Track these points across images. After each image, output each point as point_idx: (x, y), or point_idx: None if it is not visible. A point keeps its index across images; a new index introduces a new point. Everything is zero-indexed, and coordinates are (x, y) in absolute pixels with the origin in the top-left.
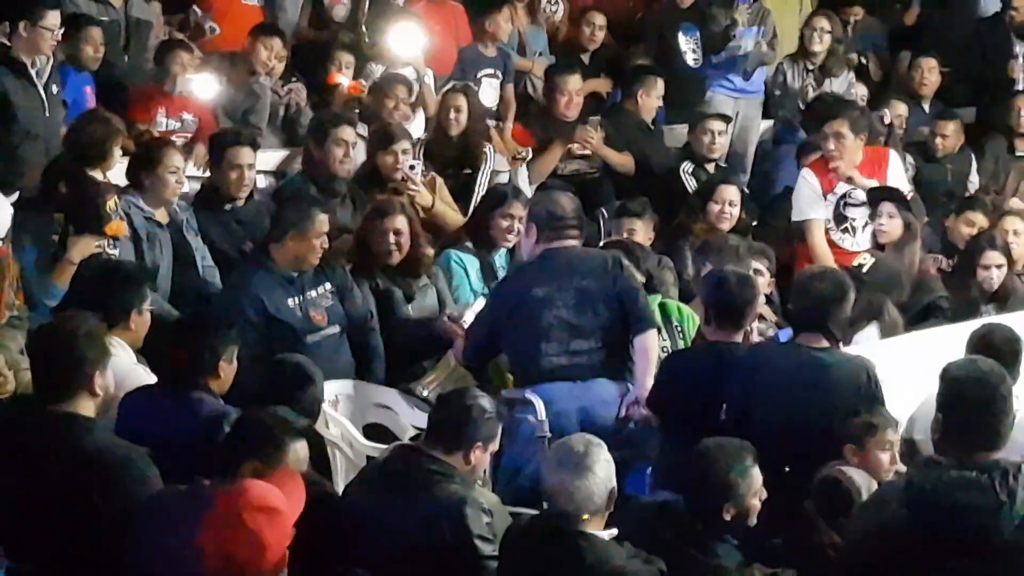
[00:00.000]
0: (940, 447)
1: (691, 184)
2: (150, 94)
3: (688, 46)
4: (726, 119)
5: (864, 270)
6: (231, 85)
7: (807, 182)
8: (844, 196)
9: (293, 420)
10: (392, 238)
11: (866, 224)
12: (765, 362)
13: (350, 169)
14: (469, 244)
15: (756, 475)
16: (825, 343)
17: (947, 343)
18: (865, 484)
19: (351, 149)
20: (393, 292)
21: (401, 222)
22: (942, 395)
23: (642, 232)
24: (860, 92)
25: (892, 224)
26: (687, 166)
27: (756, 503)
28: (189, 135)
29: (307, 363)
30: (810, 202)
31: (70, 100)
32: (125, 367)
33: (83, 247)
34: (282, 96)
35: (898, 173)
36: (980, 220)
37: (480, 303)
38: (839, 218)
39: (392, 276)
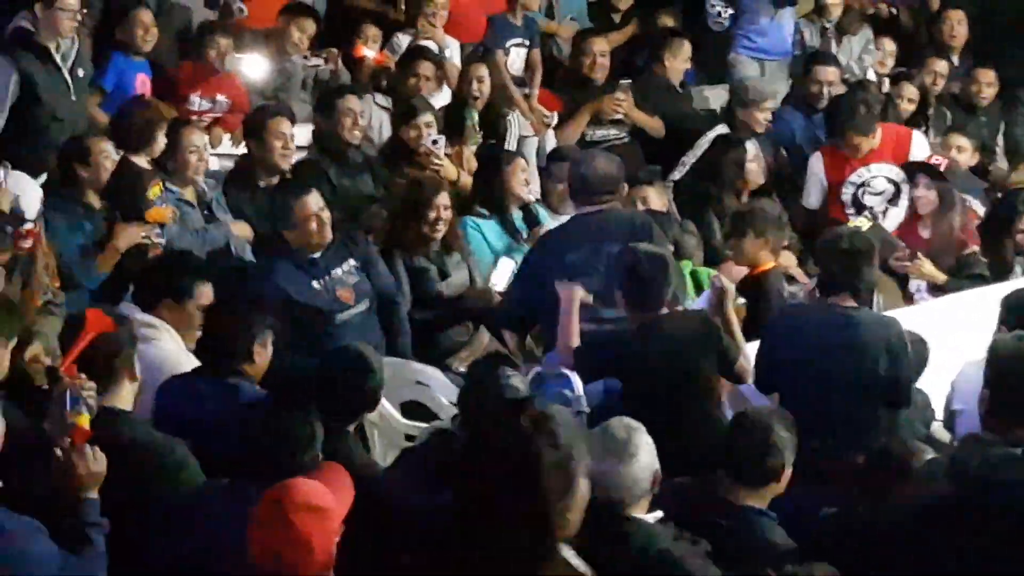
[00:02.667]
0: (986, 422)
1: (703, 145)
2: (190, 77)
3: (716, 7)
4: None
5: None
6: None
7: (811, 167)
8: (863, 184)
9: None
10: (440, 214)
11: (885, 210)
12: (796, 323)
13: (360, 137)
14: (484, 210)
15: (794, 441)
16: (853, 302)
17: (982, 305)
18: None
19: (359, 118)
20: (427, 269)
21: (445, 198)
22: (990, 372)
23: (656, 199)
24: (888, 48)
25: (929, 195)
26: (716, 130)
27: (789, 472)
28: (220, 115)
29: (367, 352)
30: (808, 188)
31: (111, 86)
32: (171, 354)
33: (130, 235)
34: (309, 63)
35: (923, 151)
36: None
37: (506, 264)
38: (857, 205)
39: (426, 253)
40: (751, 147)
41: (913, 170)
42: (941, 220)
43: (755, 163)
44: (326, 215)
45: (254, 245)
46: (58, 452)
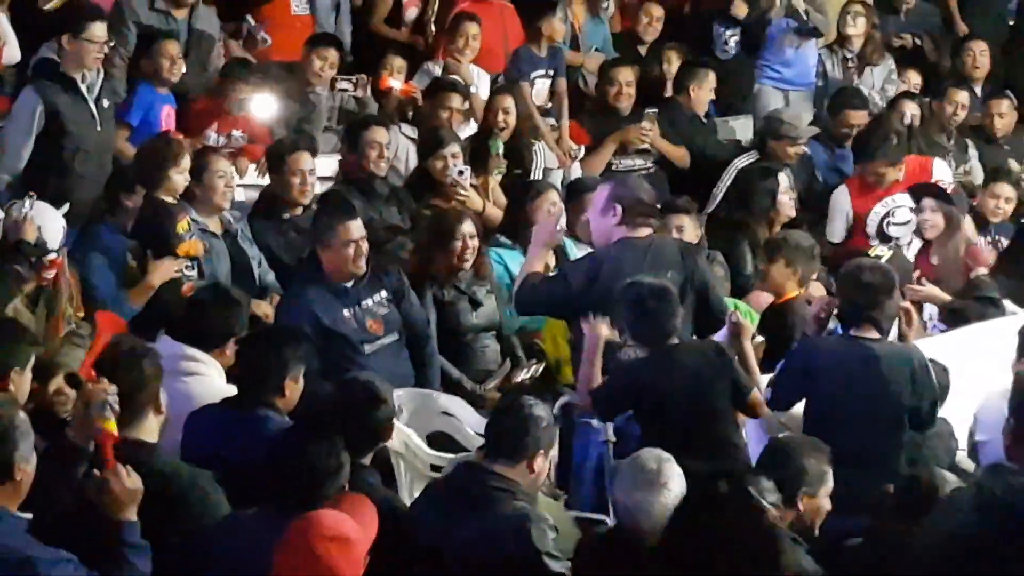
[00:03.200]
0: (1011, 452)
1: (727, 179)
2: (209, 111)
3: (726, 38)
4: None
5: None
6: (287, 96)
7: (836, 200)
8: (887, 215)
9: None
10: (467, 243)
11: (911, 242)
12: (819, 354)
13: (386, 169)
14: (507, 240)
15: (830, 474)
16: (875, 334)
17: (1007, 333)
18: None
19: (384, 149)
20: (457, 301)
21: (471, 227)
22: (1015, 399)
23: (690, 229)
24: (913, 80)
25: (935, 218)
26: (742, 160)
27: (827, 504)
28: (234, 151)
29: (377, 381)
30: (832, 221)
31: (137, 120)
32: (214, 388)
33: (164, 271)
34: (338, 86)
35: (945, 178)
36: (1007, 192)
37: None
38: (882, 236)
39: (456, 283)
40: (783, 178)
41: (919, 193)
42: (946, 243)
43: (787, 195)
44: (365, 245)
45: (286, 274)
46: (95, 472)
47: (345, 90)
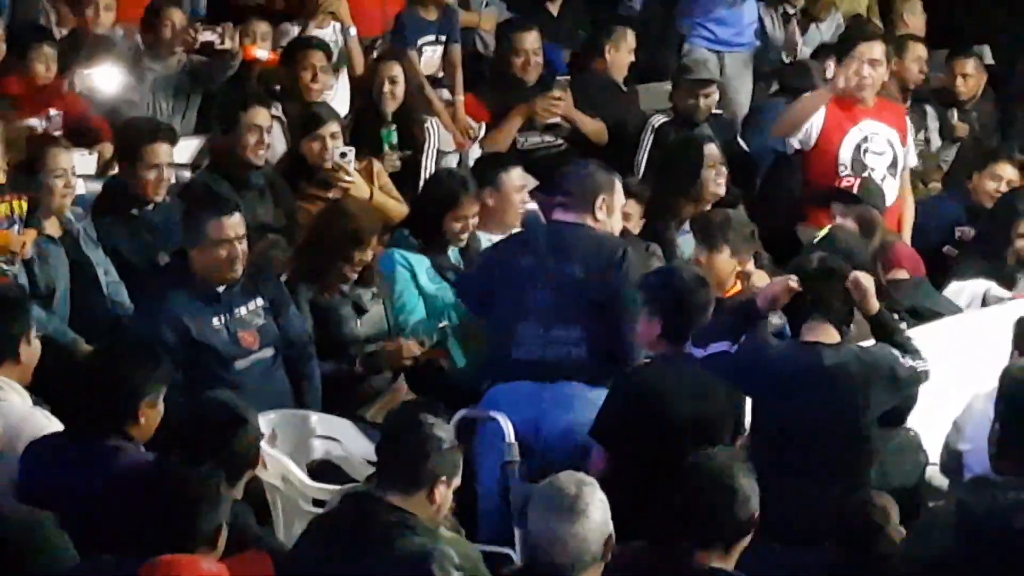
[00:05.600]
0: (997, 462)
1: (646, 142)
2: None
3: None
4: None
5: (815, 240)
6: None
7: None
8: (864, 140)
9: None
10: (365, 256)
11: (884, 178)
12: (765, 358)
13: (266, 157)
14: (414, 239)
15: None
16: (830, 335)
17: (990, 329)
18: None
19: (265, 134)
20: (338, 307)
21: (377, 223)
22: (1001, 404)
23: (636, 216)
24: None
25: (846, 224)
26: (658, 119)
27: (756, 518)
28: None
29: (234, 401)
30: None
31: None
32: (18, 413)
33: None
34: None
35: (910, 138)
36: (1009, 173)
37: None
38: (858, 165)
39: (338, 288)
40: (711, 150)
41: (823, 198)
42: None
43: (714, 169)
44: (242, 246)
45: (137, 279)
46: None
47: (211, 43)
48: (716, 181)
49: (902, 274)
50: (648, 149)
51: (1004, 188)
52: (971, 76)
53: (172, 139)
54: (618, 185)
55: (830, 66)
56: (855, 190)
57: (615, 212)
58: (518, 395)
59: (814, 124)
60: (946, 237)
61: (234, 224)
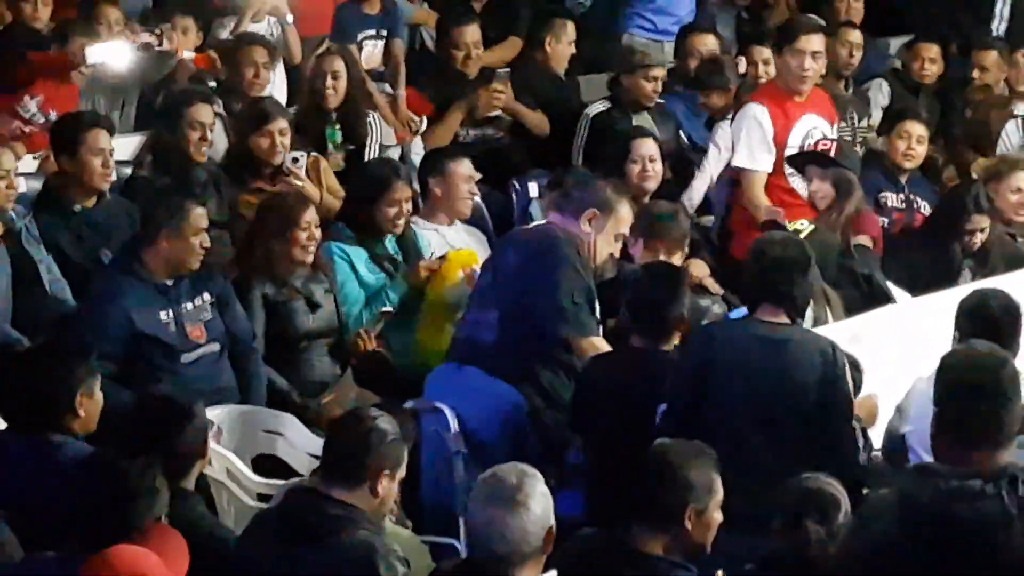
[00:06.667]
0: (938, 449)
1: (582, 132)
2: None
3: None
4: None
5: (802, 232)
6: None
7: (757, 122)
8: (806, 136)
9: None
10: (312, 232)
11: None
12: (717, 344)
13: (207, 154)
14: (350, 232)
15: (719, 482)
16: (785, 318)
17: (933, 313)
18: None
19: (208, 131)
20: (290, 301)
21: (314, 214)
22: (938, 387)
23: None
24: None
25: (823, 187)
26: (595, 108)
27: (718, 517)
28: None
29: (177, 396)
30: (758, 147)
31: None
32: None
33: None
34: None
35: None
36: (918, 130)
37: None
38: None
39: (290, 282)
40: (646, 145)
41: (800, 162)
42: (840, 212)
43: (648, 162)
44: (207, 239)
45: (78, 277)
46: None
47: (149, 45)
48: (642, 175)
49: (865, 240)
50: (584, 139)
51: (914, 145)
52: (937, 62)
53: (111, 129)
54: (621, 212)
55: (741, 61)
56: (832, 154)
57: (605, 233)
58: (438, 378)
59: (767, 134)
60: (873, 207)
61: (203, 215)
